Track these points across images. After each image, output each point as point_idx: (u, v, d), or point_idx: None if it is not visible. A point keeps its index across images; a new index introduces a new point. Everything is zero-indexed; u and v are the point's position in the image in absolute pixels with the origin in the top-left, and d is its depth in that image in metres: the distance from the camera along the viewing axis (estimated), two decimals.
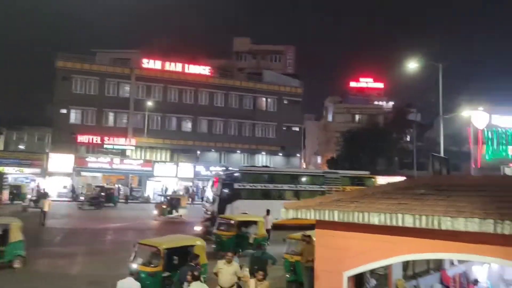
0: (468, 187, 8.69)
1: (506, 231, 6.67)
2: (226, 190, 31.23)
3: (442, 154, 22.91)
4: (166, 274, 12.72)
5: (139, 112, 56.26)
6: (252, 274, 12.39)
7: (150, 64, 57.45)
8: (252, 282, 9.88)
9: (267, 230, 23.33)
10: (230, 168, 36.35)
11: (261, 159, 60.93)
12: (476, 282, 14.83)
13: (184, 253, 12.98)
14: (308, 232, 14.29)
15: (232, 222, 21.44)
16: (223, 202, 30.55)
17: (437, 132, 29.22)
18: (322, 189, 32.89)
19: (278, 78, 64.55)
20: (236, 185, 31.52)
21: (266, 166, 43.51)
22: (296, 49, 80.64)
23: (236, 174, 33.01)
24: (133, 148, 56.23)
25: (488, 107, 51.10)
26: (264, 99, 61.96)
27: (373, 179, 36.87)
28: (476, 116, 44.28)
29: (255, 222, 21.49)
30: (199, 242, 14.64)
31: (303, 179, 34.70)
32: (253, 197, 31.39)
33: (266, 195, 32.00)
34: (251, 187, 32.26)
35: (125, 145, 55.56)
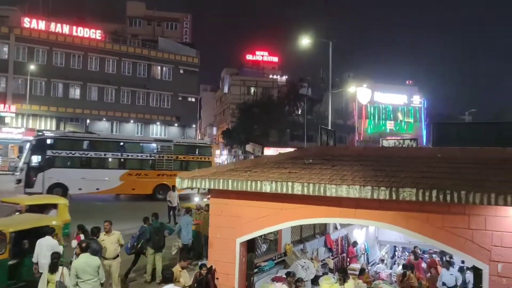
0: (351, 157, 9.43)
1: (381, 196, 7.40)
2: (36, 157, 28.07)
3: (329, 127, 24.35)
4: (13, 261, 10.50)
5: (20, 76, 51.35)
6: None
7: (33, 24, 52.39)
8: (176, 269, 9.66)
9: (173, 208, 22.18)
10: (45, 133, 32.39)
11: (156, 130, 59.66)
12: (355, 243, 16.31)
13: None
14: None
15: (19, 207, 13.70)
16: (33, 171, 27.49)
17: (326, 106, 30.95)
18: (152, 158, 31.42)
19: (174, 46, 62.95)
20: (49, 152, 28.22)
21: (91, 133, 39.27)
22: (193, 18, 79.25)
23: (49, 140, 29.20)
24: (13, 115, 51.48)
25: (371, 84, 55.22)
26: (159, 67, 60.19)
27: (211, 148, 35.47)
28: (360, 92, 47.66)
29: (54, 205, 14.47)
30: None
31: (131, 147, 31.97)
32: (69, 165, 29.02)
33: (85, 163, 29.59)
34: (67, 155, 29.30)
35: (3, 112, 50.67)
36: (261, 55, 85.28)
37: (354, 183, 7.75)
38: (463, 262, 13.62)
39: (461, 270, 14.40)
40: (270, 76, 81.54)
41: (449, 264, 13.55)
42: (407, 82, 72.31)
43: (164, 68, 60.62)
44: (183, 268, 9.98)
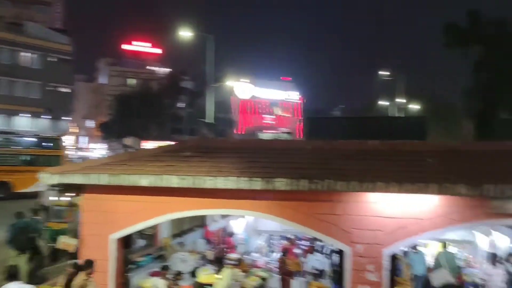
0: (229, 149, 9.61)
1: (256, 186, 7.69)
2: None
3: (210, 121, 24.54)
4: None
5: None
6: None
7: None
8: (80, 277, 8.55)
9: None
10: None
11: (23, 122, 54.53)
12: (233, 234, 16.69)
13: None
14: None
15: None
16: None
17: (207, 100, 31.07)
18: None
19: (43, 32, 57.92)
20: None
21: None
22: (66, 2, 73.82)
23: None
24: None
25: (251, 79, 56.84)
26: (26, 54, 54.98)
27: (59, 141, 32.13)
28: (239, 87, 48.82)
29: None
30: None
31: None
32: None
33: None
34: None
35: None
36: (141, 45, 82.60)
37: (231, 174, 7.93)
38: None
39: (330, 254, 15.59)
40: (152, 68, 79.42)
41: (313, 249, 14.67)
42: (284, 78, 75.86)
43: (32, 55, 55.51)
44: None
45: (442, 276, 10.38)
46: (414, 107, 44.94)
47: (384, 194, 7.59)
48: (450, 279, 10.41)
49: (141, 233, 10.91)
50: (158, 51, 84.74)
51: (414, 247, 12.47)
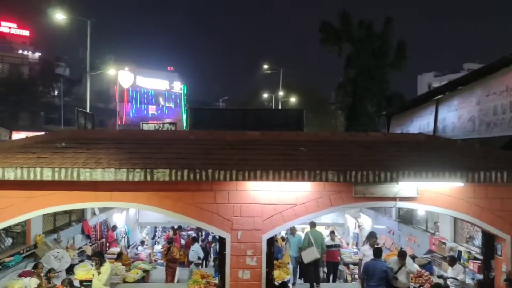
0: (107, 140, 9.26)
1: (136, 178, 7.56)
2: None
3: (89, 110, 23.26)
4: None
5: None
6: None
7: None
8: None
9: None
10: None
11: None
12: (114, 228, 16.17)
13: None
14: None
15: None
16: None
17: (85, 88, 29.30)
18: None
19: None
20: None
21: None
22: None
23: None
24: None
25: (133, 68, 54.84)
26: None
27: None
28: (122, 76, 46.89)
29: None
30: None
31: None
32: None
33: None
34: None
35: None
36: (7, 27, 74.74)
37: (109, 166, 7.68)
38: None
39: (214, 242, 15.97)
40: (23, 53, 72.40)
41: (194, 240, 15.00)
42: (168, 68, 74.50)
43: None
44: None
45: (310, 254, 11.28)
46: (293, 100, 47.29)
47: (262, 182, 7.98)
48: (317, 255, 11.39)
49: (8, 231, 10.07)
50: (25, 32, 77.23)
51: (292, 231, 13.31)
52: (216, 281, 9.92)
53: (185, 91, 72.65)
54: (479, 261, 9.73)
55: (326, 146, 9.32)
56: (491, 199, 8.46)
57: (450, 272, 9.83)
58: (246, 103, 48.57)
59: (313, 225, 12.38)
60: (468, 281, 9.85)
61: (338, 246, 14.43)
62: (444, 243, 11.43)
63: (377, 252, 9.72)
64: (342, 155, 8.78)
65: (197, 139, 9.56)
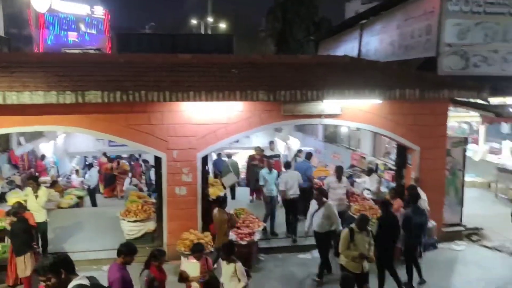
0: (32, 64, 8.87)
1: (67, 100, 7.47)
2: None
3: (2, 35, 21.53)
4: None
5: None
6: None
7: None
8: None
9: None
10: None
11: None
12: (43, 157, 15.83)
13: None
14: None
15: None
16: None
17: None
18: None
19: None
20: None
21: None
22: None
23: None
24: None
25: None
26: None
27: None
28: None
29: None
30: None
31: None
32: None
33: None
34: None
35: None
36: None
37: (37, 89, 7.49)
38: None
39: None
40: None
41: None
42: None
43: None
44: None
45: (230, 178, 12.10)
46: (223, 26, 46.34)
47: (195, 103, 8.20)
48: (236, 179, 12.74)
49: None
50: None
51: (229, 156, 13.89)
52: (153, 199, 10.30)
53: (108, 17, 68.38)
54: (393, 171, 10.84)
55: (257, 68, 9.59)
56: (405, 115, 9.31)
57: (367, 181, 10.88)
58: (174, 30, 46.92)
59: (229, 156, 13.65)
60: (384, 189, 10.98)
61: (278, 156, 14.62)
62: (364, 158, 12.51)
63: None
64: (272, 76, 9.12)
65: (127, 61, 9.42)
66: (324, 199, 7.95)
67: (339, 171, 9.29)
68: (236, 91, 8.04)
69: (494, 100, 10.26)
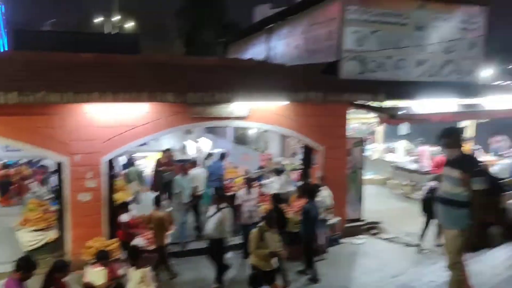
0: None
1: None
2: None
3: None
4: None
5: None
6: None
7: None
8: None
9: None
10: None
11: None
12: None
13: None
14: None
15: None
16: None
17: None
18: None
19: None
20: None
21: None
22: None
23: None
24: None
25: None
26: None
27: None
28: None
29: None
30: None
31: None
32: None
33: None
34: None
35: None
36: None
37: None
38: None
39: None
40: None
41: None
42: None
43: None
44: None
45: (133, 187, 11.77)
46: (130, 25, 44.97)
47: (100, 104, 7.89)
48: (138, 188, 12.03)
49: None
50: None
51: (131, 162, 13.43)
52: (55, 207, 9.72)
53: (3, 11, 63.22)
54: (300, 171, 11.28)
55: (165, 69, 9.49)
56: (310, 116, 9.75)
57: (276, 181, 11.19)
58: (78, 28, 44.63)
59: (131, 162, 13.16)
60: (291, 188, 11.35)
61: (191, 160, 14.37)
62: (272, 159, 12.87)
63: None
64: (181, 78, 9.07)
65: (26, 60, 8.84)
66: (224, 204, 7.86)
67: (249, 182, 9.35)
68: (144, 93, 7.87)
69: (389, 103, 11.08)
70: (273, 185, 10.99)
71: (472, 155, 5.05)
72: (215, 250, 7.77)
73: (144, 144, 9.88)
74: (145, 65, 9.33)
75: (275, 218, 6.97)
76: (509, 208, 8.31)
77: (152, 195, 11.22)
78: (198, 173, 10.15)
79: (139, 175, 12.56)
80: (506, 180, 10.91)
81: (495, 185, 4.73)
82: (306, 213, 7.94)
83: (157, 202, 8.09)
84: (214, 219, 7.65)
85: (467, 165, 4.64)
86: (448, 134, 4.87)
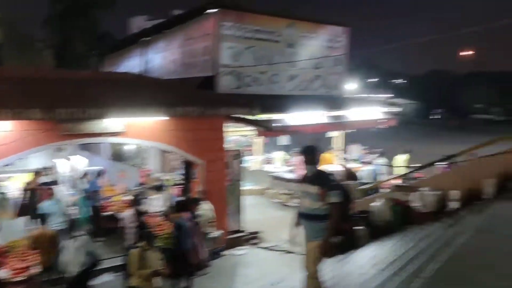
0: None
1: None
2: None
3: None
4: None
5: None
6: None
7: None
8: None
9: None
10: None
11: None
12: None
13: None
14: None
15: None
16: None
17: None
18: None
19: None
20: None
21: None
22: None
23: None
24: None
25: None
26: None
27: None
28: None
29: None
30: None
31: None
32: None
33: None
34: None
35: None
36: None
37: None
38: None
39: None
40: None
41: None
42: None
43: None
44: None
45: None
46: None
47: None
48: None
49: None
50: None
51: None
52: None
53: None
54: (181, 186, 11.19)
55: (32, 83, 8.78)
56: (189, 131, 9.72)
57: (156, 198, 10.95)
58: None
59: None
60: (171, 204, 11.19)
61: (56, 182, 13.35)
62: (152, 174, 12.57)
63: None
64: (49, 92, 8.46)
65: None
66: (80, 232, 7.37)
67: (134, 203, 9.01)
68: (7, 109, 7.17)
69: (264, 116, 11.55)
70: (154, 202, 10.75)
71: (326, 171, 5.46)
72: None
73: (9, 164, 8.99)
74: (7, 78, 8.52)
75: (154, 236, 6.84)
76: (373, 211, 9.23)
77: (19, 221, 10.23)
78: (66, 195, 9.44)
79: (2, 199, 11.34)
80: (370, 184, 12.08)
81: (346, 196, 5.16)
82: (178, 228, 7.88)
83: (43, 220, 7.69)
84: (69, 247, 7.17)
85: (323, 180, 4.96)
86: (306, 152, 5.17)
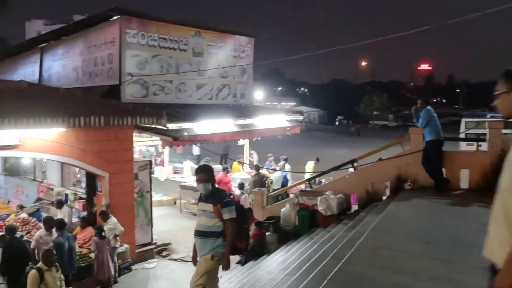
0: None
1: None
2: None
3: None
4: None
5: None
6: None
7: None
8: None
9: None
10: None
11: None
12: None
13: None
14: None
15: None
16: None
17: None
18: None
19: None
20: None
21: None
22: None
23: None
24: None
25: None
26: None
27: None
28: None
29: None
30: None
31: None
32: None
33: None
34: None
35: None
36: None
37: None
38: None
39: None
40: None
41: None
42: None
43: None
44: None
45: None
46: None
47: None
48: None
49: None
50: None
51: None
52: None
53: None
54: (84, 200, 10.62)
55: None
56: (92, 142, 9.28)
57: (59, 215, 10.29)
58: None
59: None
60: (75, 219, 10.58)
61: None
62: (52, 189, 11.80)
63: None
64: None
65: None
66: None
67: (49, 222, 8.29)
68: None
69: (173, 125, 11.38)
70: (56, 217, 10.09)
71: (220, 189, 5.66)
72: None
73: None
74: None
75: (53, 254, 6.45)
76: (281, 216, 9.50)
77: None
78: None
79: None
80: (278, 190, 12.41)
81: (241, 213, 5.35)
82: (59, 247, 7.51)
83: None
84: None
85: (217, 198, 5.07)
86: (201, 171, 5.27)
